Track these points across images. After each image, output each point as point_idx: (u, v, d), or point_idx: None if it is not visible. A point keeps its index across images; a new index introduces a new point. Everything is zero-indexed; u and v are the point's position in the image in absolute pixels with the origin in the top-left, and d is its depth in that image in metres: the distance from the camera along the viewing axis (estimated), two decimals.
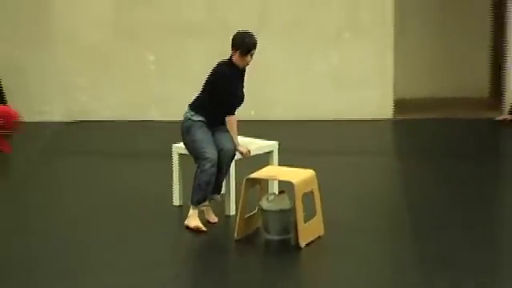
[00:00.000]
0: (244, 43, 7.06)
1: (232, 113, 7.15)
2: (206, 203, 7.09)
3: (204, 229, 6.93)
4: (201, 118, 7.14)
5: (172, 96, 10.97)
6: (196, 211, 7.01)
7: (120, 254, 6.56)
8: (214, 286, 6.06)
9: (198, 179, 6.99)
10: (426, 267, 6.21)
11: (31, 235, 6.92)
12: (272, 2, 11.26)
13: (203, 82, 7.30)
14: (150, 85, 11.11)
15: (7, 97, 10.89)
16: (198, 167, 7.02)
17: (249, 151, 7.24)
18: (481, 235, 6.89)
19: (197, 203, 7.00)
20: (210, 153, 6.98)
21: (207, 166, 6.95)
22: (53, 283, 6.02)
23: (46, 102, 11.11)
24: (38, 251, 6.57)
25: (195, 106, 7.20)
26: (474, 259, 6.35)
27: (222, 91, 7.09)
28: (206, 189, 6.98)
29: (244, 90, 7.30)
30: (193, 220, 6.99)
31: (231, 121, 7.15)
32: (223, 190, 7.29)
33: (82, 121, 10.85)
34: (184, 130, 7.17)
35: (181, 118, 7.24)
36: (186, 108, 7.24)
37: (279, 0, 11.25)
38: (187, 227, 6.99)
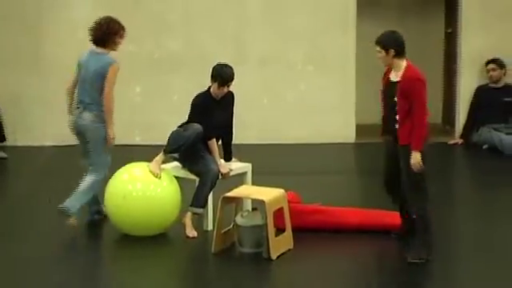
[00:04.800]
0: (222, 75, 7.00)
1: (210, 138, 7.10)
2: (190, 212, 7.02)
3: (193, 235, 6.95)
4: None
5: (153, 123, 10.97)
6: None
7: (101, 266, 6.52)
8: None
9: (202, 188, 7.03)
10: (386, 268, 6.24)
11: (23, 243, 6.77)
12: (247, 36, 11.27)
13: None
14: (135, 113, 11.07)
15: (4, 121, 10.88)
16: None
17: (229, 171, 7.21)
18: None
19: (201, 206, 7.01)
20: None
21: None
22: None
23: (39, 127, 11.05)
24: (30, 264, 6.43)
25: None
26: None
27: (198, 119, 7.04)
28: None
29: (231, 118, 7.34)
30: (189, 227, 6.99)
31: (210, 144, 7.12)
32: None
33: (72, 145, 10.68)
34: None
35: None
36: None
37: (253, 35, 11.26)
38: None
